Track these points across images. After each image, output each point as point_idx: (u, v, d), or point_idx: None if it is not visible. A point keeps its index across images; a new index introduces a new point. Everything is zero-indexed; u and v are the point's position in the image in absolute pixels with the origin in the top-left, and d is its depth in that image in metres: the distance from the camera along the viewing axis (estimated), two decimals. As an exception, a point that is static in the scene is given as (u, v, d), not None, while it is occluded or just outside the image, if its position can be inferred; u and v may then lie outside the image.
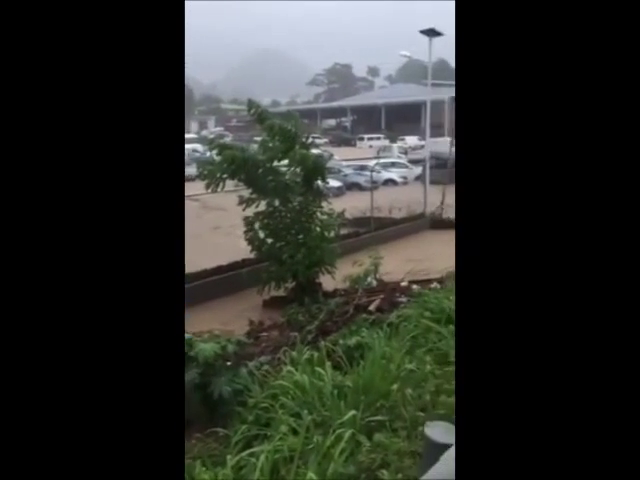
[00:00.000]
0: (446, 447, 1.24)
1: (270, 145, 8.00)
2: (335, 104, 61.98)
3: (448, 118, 21.66)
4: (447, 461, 1.19)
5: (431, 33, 14.13)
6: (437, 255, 10.42)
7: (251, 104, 8.14)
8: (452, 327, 4.09)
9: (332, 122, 59.26)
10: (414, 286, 8.21)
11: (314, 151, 8.73)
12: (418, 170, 18.68)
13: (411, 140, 36.52)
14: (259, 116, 8.01)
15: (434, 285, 8.27)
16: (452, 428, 1.41)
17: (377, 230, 12.23)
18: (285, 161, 8.04)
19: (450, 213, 13.88)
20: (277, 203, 8.00)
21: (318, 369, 3.46)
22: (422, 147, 16.48)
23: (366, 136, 41.53)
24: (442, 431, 1.36)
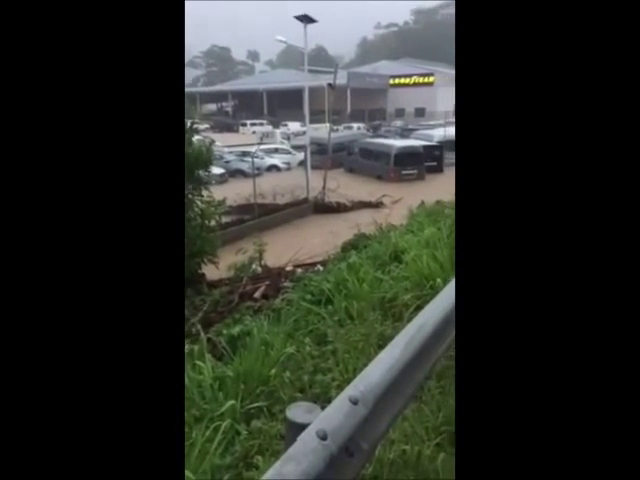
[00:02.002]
0: (304, 427, 1.27)
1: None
2: (215, 88, 60.02)
3: (329, 105, 22.15)
4: (304, 441, 1.21)
5: (305, 19, 14.27)
6: (321, 238, 10.75)
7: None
8: (330, 308, 4.24)
9: (213, 107, 57.37)
10: (299, 270, 8.38)
11: (195, 138, 8.38)
12: (301, 156, 18.91)
13: (294, 126, 36.79)
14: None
15: (317, 268, 8.52)
16: (314, 407, 1.44)
17: (261, 217, 12.20)
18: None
19: (332, 197, 14.35)
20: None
21: (198, 362, 3.36)
22: (304, 133, 16.68)
23: (249, 122, 40.96)
24: (303, 411, 1.39)
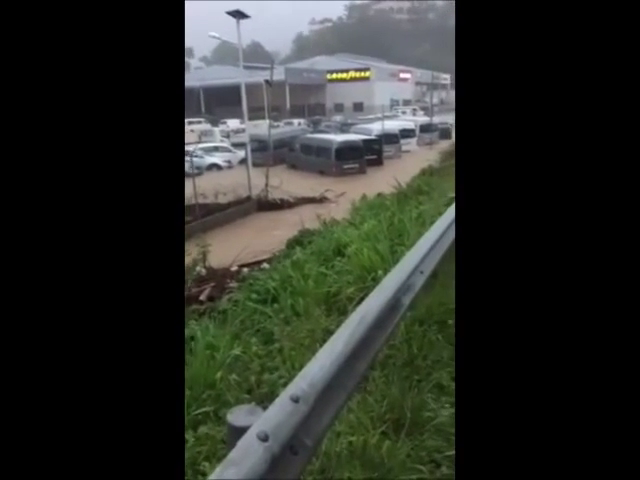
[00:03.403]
0: (245, 430, 1.26)
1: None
2: (149, 86, 57.81)
3: (267, 101, 22.00)
4: (244, 444, 1.20)
5: (237, 15, 14.05)
6: (266, 236, 10.67)
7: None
8: (276, 306, 4.23)
9: (148, 106, 55.29)
10: (245, 270, 8.28)
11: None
12: (242, 154, 18.66)
13: (233, 123, 36.19)
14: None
15: (264, 266, 8.46)
16: (256, 409, 1.43)
17: (203, 217, 11.93)
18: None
19: (275, 194, 14.28)
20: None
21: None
22: (244, 130, 16.47)
23: (186, 120, 39.94)
24: (244, 414, 1.38)
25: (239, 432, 1.28)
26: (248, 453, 1.18)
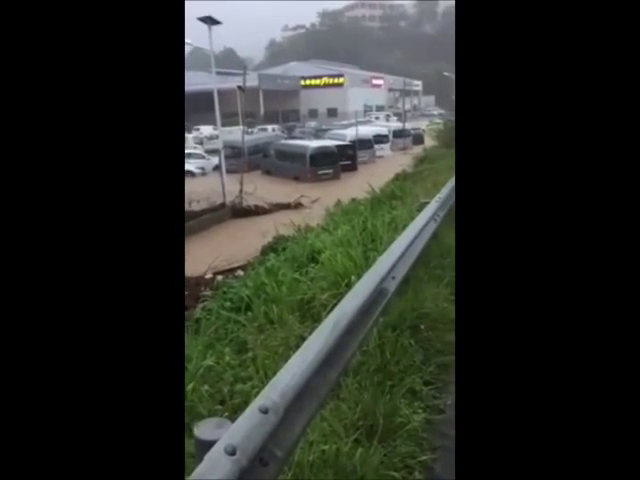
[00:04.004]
0: (212, 444, 1.24)
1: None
2: (120, 93, 56.91)
3: (241, 107, 21.89)
4: (211, 458, 1.18)
5: (209, 21, 13.98)
6: (240, 243, 10.60)
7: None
8: (250, 314, 4.19)
9: (119, 112, 54.42)
10: (219, 277, 8.20)
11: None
12: (215, 160, 18.52)
13: (206, 130, 35.92)
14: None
15: (238, 273, 8.39)
16: (224, 422, 1.41)
17: (177, 225, 11.76)
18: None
19: (249, 201, 14.20)
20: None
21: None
22: (218, 137, 16.36)
23: (159, 127, 39.34)
24: (212, 427, 1.35)
25: (207, 446, 1.26)
26: (215, 467, 1.16)
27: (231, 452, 1.19)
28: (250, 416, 1.36)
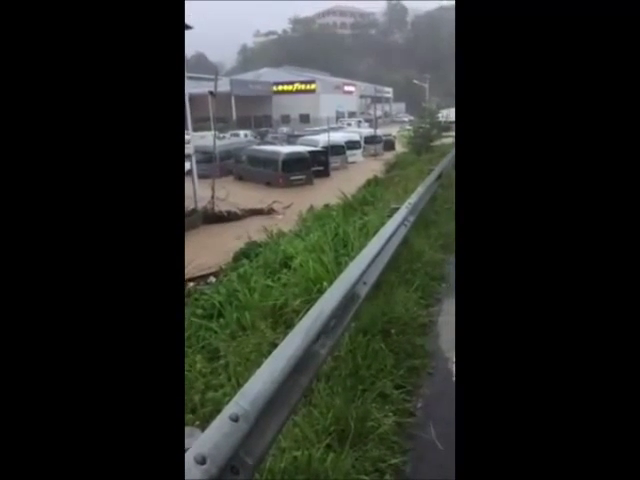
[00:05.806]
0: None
1: None
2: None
3: (213, 112, 21.72)
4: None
5: (180, 25, 13.86)
6: (212, 249, 10.48)
7: None
8: (222, 321, 4.16)
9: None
10: (190, 284, 8.09)
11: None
12: (187, 165, 18.28)
13: (178, 135, 35.46)
14: None
15: (210, 280, 8.30)
16: (195, 431, 1.40)
17: (147, 231, 11.55)
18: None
19: (222, 206, 14.08)
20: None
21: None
22: (189, 142, 16.22)
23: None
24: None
25: (176, 456, 1.25)
26: (185, 477, 1.15)
27: (201, 461, 1.19)
28: (220, 424, 1.35)
